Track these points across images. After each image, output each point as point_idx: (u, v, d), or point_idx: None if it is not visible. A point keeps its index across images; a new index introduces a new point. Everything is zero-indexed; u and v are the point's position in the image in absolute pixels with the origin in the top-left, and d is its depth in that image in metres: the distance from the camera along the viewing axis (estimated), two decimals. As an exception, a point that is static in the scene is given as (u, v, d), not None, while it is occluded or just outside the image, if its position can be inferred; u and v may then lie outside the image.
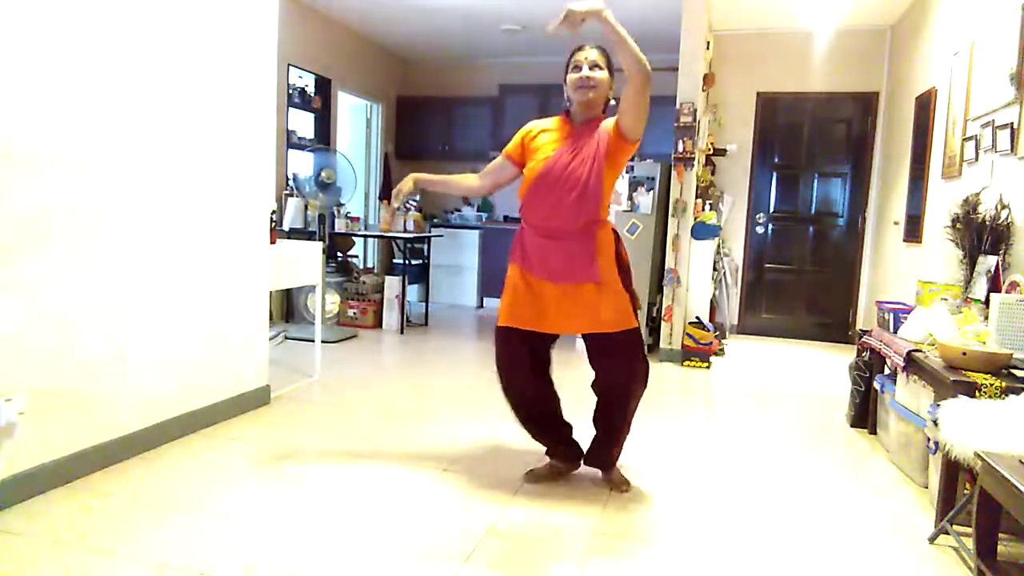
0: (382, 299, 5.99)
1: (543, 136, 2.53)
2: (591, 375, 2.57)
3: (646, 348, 2.55)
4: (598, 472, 2.69)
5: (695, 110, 5.01)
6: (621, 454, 2.67)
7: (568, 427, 2.70)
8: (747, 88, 6.24)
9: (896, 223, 5.21)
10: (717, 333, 5.39)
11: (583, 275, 2.41)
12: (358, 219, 6.30)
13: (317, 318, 4.16)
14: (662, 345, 5.17)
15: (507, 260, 2.59)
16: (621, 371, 2.48)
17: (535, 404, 2.62)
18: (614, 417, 2.56)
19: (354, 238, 6.18)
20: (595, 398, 2.60)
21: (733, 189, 6.28)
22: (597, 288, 2.42)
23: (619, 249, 2.53)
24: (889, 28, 5.85)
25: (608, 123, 2.45)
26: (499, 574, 1.97)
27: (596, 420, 2.62)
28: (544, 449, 2.72)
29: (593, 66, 2.42)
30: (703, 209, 5.24)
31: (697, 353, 4.99)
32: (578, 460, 2.72)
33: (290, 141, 5.98)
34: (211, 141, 3.01)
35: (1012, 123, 3.18)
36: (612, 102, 2.49)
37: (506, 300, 2.55)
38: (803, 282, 6.35)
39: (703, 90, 5.32)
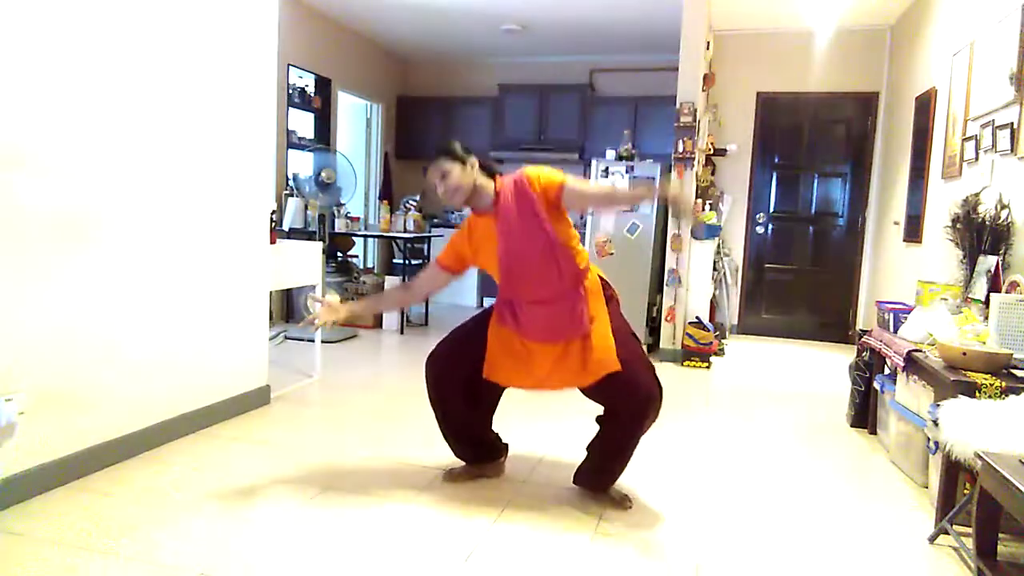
0: (382, 299, 5.98)
1: (475, 239, 2.42)
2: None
3: (659, 381, 2.39)
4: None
5: (695, 110, 5.01)
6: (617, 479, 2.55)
7: (492, 436, 2.67)
8: (747, 88, 6.24)
9: (896, 223, 5.21)
10: (717, 333, 5.39)
11: (573, 334, 2.35)
12: (358, 219, 6.30)
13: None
14: (662, 345, 5.17)
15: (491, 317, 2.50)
16: (625, 408, 2.35)
17: (470, 428, 2.59)
18: (615, 447, 2.44)
19: (354, 238, 6.17)
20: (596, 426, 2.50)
21: (733, 189, 6.28)
22: (583, 342, 2.34)
23: (609, 294, 2.44)
24: (889, 28, 5.85)
25: (524, 185, 2.30)
26: (499, 574, 1.97)
27: (594, 446, 2.51)
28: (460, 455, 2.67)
29: (440, 178, 2.32)
30: (703, 209, 5.24)
31: (697, 353, 5.00)
32: (500, 457, 2.69)
33: (290, 141, 5.98)
34: (211, 141, 3.01)
35: (1012, 123, 3.18)
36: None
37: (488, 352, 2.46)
38: (803, 282, 6.35)
39: (703, 90, 5.32)
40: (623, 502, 2.47)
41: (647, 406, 2.33)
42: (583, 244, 2.48)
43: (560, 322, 2.35)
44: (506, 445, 2.72)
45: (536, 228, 2.29)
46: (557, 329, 2.36)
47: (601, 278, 2.47)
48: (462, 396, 2.50)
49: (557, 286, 2.34)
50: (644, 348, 2.48)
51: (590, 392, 2.42)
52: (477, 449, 2.65)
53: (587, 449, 2.54)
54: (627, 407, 2.34)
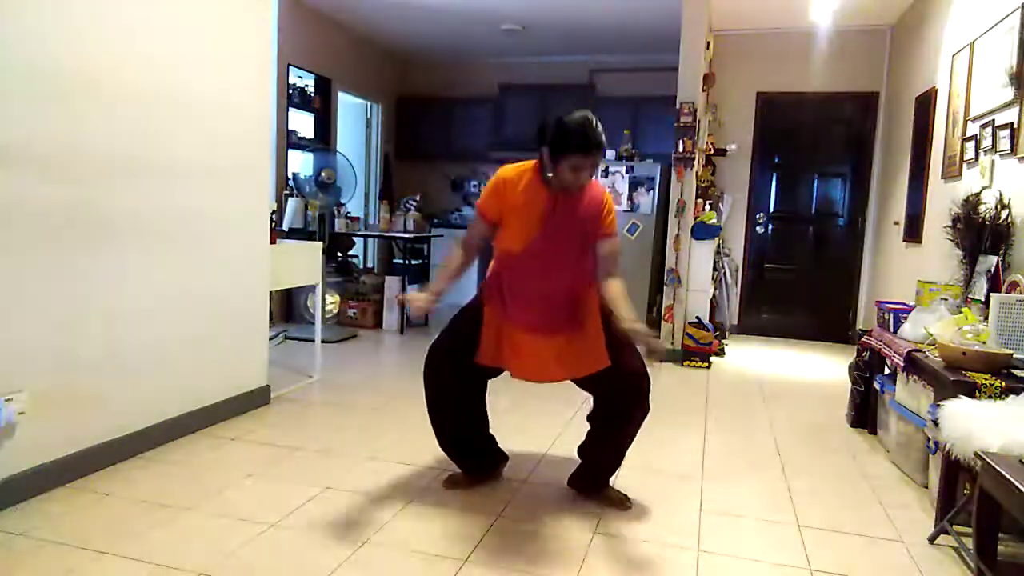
0: (382, 299, 5.98)
1: (524, 194, 2.30)
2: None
3: (648, 376, 2.38)
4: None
5: (695, 110, 5.01)
6: (611, 478, 2.56)
7: (491, 442, 2.65)
8: (747, 88, 6.24)
9: (896, 223, 5.21)
10: (717, 333, 5.39)
11: (565, 328, 2.34)
12: (358, 219, 6.30)
13: (317, 318, 4.16)
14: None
15: (482, 295, 2.47)
16: (614, 403, 2.37)
17: (467, 429, 2.56)
18: (610, 448, 2.45)
19: (354, 238, 6.17)
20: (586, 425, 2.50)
21: (733, 189, 6.28)
22: (574, 335, 2.33)
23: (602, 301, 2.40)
24: (889, 28, 5.85)
25: (600, 204, 2.31)
26: (499, 574, 1.97)
27: (585, 446, 2.52)
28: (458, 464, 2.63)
29: (591, 169, 2.24)
30: (703, 209, 5.24)
31: (697, 353, 4.99)
32: (498, 467, 2.67)
33: (290, 141, 5.98)
34: (211, 141, 3.01)
35: (1012, 123, 3.18)
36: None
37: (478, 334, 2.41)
38: (803, 282, 6.34)
39: (703, 90, 5.32)
40: (623, 502, 2.47)
41: (636, 396, 2.35)
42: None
43: (553, 317, 2.34)
44: (505, 456, 2.70)
45: (576, 237, 2.30)
46: (548, 323, 2.35)
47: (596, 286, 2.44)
48: (461, 393, 2.47)
49: (565, 288, 2.35)
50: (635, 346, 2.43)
51: (579, 382, 2.43)
52: (476, 457, 2.61)
53: (579, 452, 2.54)
54: (616, 397, 2.36)
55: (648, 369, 2.38)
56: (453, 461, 2.61)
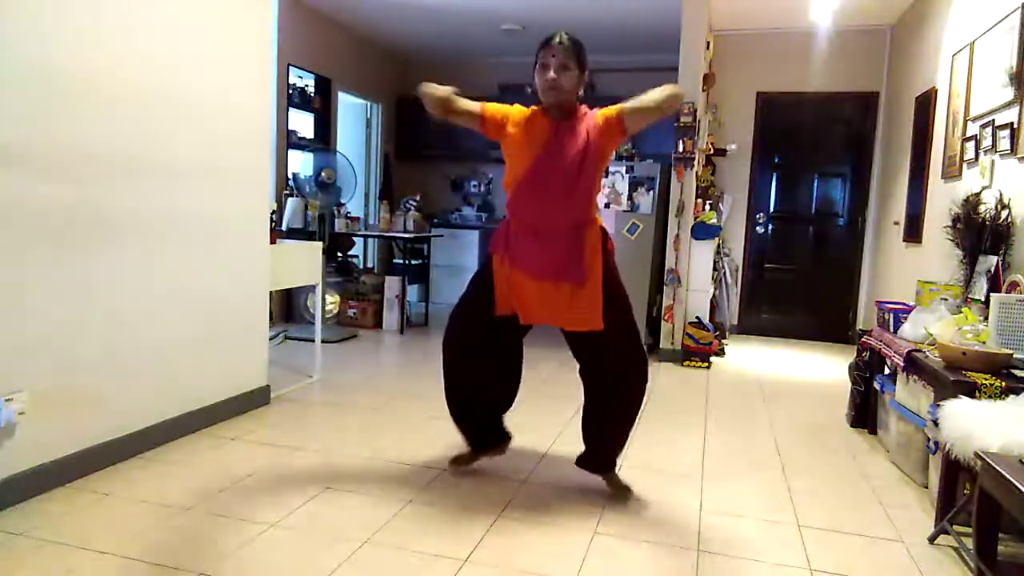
0: (382, 299, 5.98)
1: (524, 131, 2.39)
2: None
3: (643, 348, 2.49)
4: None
5: (695, 110, 5.01)
6: (619, 458, 2.62)
7: (501, 412, 2.71)
8: (747, 88, 6.24)
9: (896, 223, 5.21)
10: (717, 333, 5.39)
11: (567, 276, 2.36)
12: (358, 219, 6.30)
13: (317, 318, 4.16)
14: (662, 345, 5.17)
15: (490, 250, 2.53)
16: (608, 370, 2.44)
17: (485, 395, 2.62)
18: (605, 419, 2.51)
19: (354, 238, 6.17)
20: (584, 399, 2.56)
21: (733, 189, 6.28)
22: (577, 288, 2.37)
23: (607, 247, 2.46)
24: (889, 28, 5.85)
25: (596, 115, 2.38)
26: (499, 574, 1.97)
27: (586, 422, 2.56)
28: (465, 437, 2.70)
29: (560, 68, 2.29)
30: (703, 209, 5.24)
31: (697, 353, 5.00)
32: (500, 448, 2.72)
33: (290, 141, 5.98)
34: (211, 141, 3.01)
35: (1012, 123, 3.18)
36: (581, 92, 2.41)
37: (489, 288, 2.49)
38: (803, 282, 6.34)
39: (703, 90, 5.32)
40: (624, 492, 2.53)
41: (624, 378, 2.41)
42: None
43: (555, 261, 2.37)
44: (510, 435, 2.74)
45: (578, 156, 2.33)
46: (550, 267, 2.37)
47: (601, 227, 2.48)
48: (479, 348, 2.53)
49: (561, 221, 2.37)
50: (633, 316, 2.49)
51: (576, 345, 2.47)
52: (488, 427, 2.67)
53: (582, 426, 2.58)
54: (600, 373, 2.43)
55: (644, 351, 2.47)
56: (458, 429, 2.67)
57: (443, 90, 2.38)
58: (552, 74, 2.30)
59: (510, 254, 2.44)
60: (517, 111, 2.44)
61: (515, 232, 2.44)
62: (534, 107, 2.45)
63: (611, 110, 2.37)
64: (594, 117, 2.39)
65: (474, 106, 2.43)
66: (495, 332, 2.51)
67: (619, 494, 2.53)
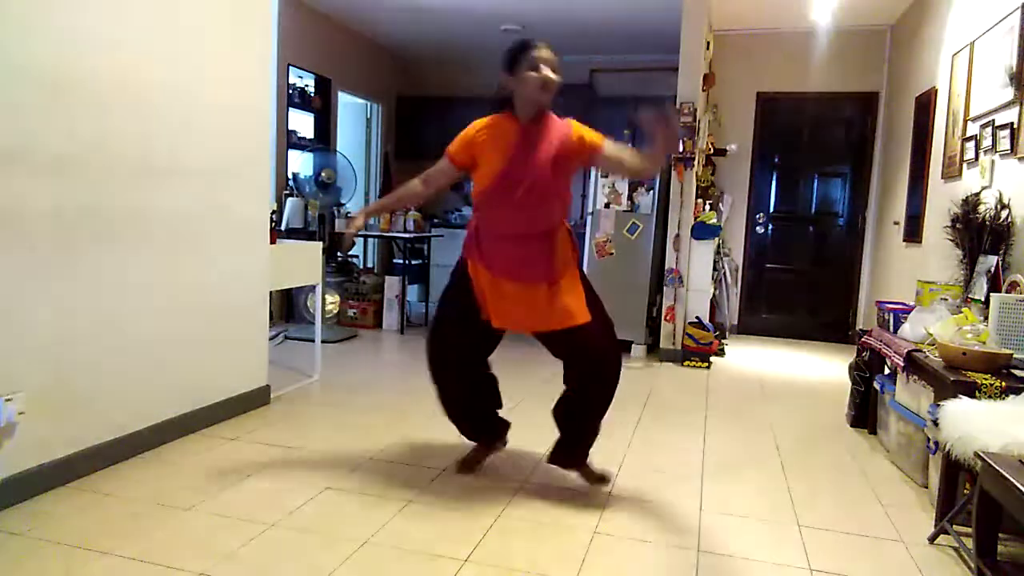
0: (382, 299, 5.99)
1: (492, 138, 2.40)
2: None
3: (615, 335, 2.48)
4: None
5: (695, 110, 5.01)
6: (589, 453, 2.59)
7: (496, 409, 2.71)
8: (747, 88, 6.24)
9: (896, 223, 5.21)
10: (717, 333, 5.39)
11: (540, 276, 2.37)
12: (358, 219, 6.29)
13: (317, 318, 4.16)
14: (662, 345, 5.17)
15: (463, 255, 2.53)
16: (587, 360, 2.42)
17: (471, 395, 2.63)
18: (583, 408, 2.50)
19: (354, 238, 6.17)
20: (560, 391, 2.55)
21: (733, 189, 6.28)
22: (551, 288, 2.37)
23: (572, 243, 2.49)
24: (889, 28, 5.85)
25: (572, 128, 2.38)
26: (499, 574, 1.97)
27: (559, 416, 2.55)
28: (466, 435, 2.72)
29: (555, 69, 2.32)
30: (703, 209, 5.24)
31: (697, 353, 5.00)
32: (503, 436, 2.73)
33: (290, 141, 5.98)
34: (211, 141, 3.01)
35: (1012, 123, 3.18)
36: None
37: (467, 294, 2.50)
38: (803, 282, 6.35)
39: (703, 90, 5.32)
40: (602, 479, 2.56)
41: (605, 366, 2.41)
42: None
43: (529, 262, 2.37)
44: (507, 423, 2.76)
45: (548, 162, 2.33)
46: (524, 268, 2.37)
47: (568, 230, 2.50)
48: (467, 357, 2.54)
49: (532, 228, 2.37)
50: (607, 313, 2.51)
51: (552, 343, 2.47)
52: (488, 421, 2.69)
53: (553, 414, 2.57)
54: (585, 364, 2.42)
55: (617, 343, 2.48)
56: (459, 430, 2.69)
57: (358, 219, 2.57)
58: (550, 73, 2.30)
59: (483, 258, 2.43)
60: (475, 127, 2.44)
61: (485, 236, 2.44)
62: (495, 115, 2.43)
63: (594, 137, 2.39)
64: (569, 128, 2.39)
65: (436, 166, 2.51)
66: (479, 343, 2.53)
67: (598, 483, 2.56)
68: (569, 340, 2.42)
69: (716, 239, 5.40)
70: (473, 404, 2.64)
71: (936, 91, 4.40)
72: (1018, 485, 1.69)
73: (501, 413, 2.75)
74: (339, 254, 5.67)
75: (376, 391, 3.93)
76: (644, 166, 2.36)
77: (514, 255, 2.38)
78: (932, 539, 2.29)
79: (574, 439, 2.57)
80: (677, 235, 5.11)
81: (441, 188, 2.62)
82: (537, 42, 2.32)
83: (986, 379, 2.38)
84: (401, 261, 6.25)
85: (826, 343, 6.15)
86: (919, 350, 2.83)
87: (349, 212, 6.14)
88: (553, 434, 2.58)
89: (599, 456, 2.68)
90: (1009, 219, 3.09)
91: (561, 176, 2.38)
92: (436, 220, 7.39)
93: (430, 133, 7.49)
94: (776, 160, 6.35)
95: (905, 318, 3.20)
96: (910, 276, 4.28)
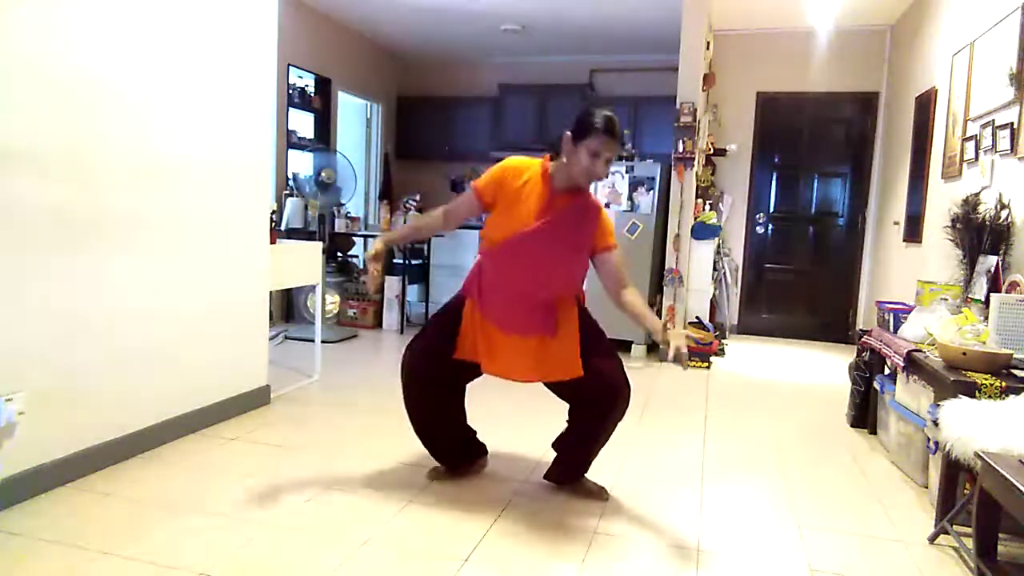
0: (382, 299, 5.99)
1: (524, 189, 2.29)
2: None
3: (624, 370, 2.39)
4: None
5: (695, 110, 5.01)
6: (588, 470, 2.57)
7: (469, 433, 2.67)
8: (747, 88, 6.24)
9: (896, 223, 5.21)
10: (717, 333, 5.39)
11: (539, 330, 2.33)
12: (358, 219, 6.30)
13: (317, 318, 4.16)
14: (662, 345, 5.16)
15: (463, 290, 2.49)
16: (594, 400, 2.37)
17: (444, 424, 2.58)
18: (586, 441, 2.46)
19: (354, 238, 6.18)
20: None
21: (733, 189, 6.29)
22: (547, 337, 2.34)
23: (580, 299, 2.45)
24: (889, 28, 5.85)
25: (601, 219, 2.32)
26: (499, 574, 1.97)
27: (561, 440, 2.53)
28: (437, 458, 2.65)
29: (609, 163, 2.23)
30: (703, 209, 5.25)
31: (697, 353, 4.99)
32: (468, 463, 2.67)
33: (290, 141, 5.98)
34: (211, 141, 3.01)
35: (1012, 123, 3.18)
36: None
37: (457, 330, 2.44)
38: (803, 282, 6.35)
39: (703, 90, 5.33)
40: (600, 493, 2.52)
41: (614, 402, 2.37)
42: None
43: (527, 318, 2.34)
44: (485, 450, 2.72)
45: (573, 245, 2.30)
46: (521, 323, 2.34)
47: (578, 297, 2.46)
48: (436, 391, 2.48)
49: (542, 294, 2.34)
50: (609, 342, 2.46)
51: (555, 389, 2.45)
52: (451, 453, 2.63)
53: (554, 447, 2.56)
54: (593, 402, 2.38)
55: (626, 376, 2.39)
56: (431, 453, 2.64)
57: (378, 245, 2.36)
58: (601, 169, 2.20)
59: (482, 302, 2.39)
60: (506, 168, 2.32)
61: (488, 286, 2.39)
62: (534, 164, 2.33)
63: (609, 241, 2.32)
64: (598, 216, 2.32)
65: (459, 200, 2.43)
66: (456, 373, 2.47)
67: (596, 496, 2.51)
68: (568, 387, 2.39)
69: (716, 239, 5.41)
70: (430, 421, 2.55)
71: (936, 91, 4.40)
72: (1018, 485, 1.69)
73: (485, 430, 2.72)
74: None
75: (376, 391, 3.93)
76: (637, 311, 2.27)
77: (514, 310, 2.34)
78: (932, 539, 2.29)
79: (574, 464, 2.54)
80: (677, 235, 5.11)
81: (462, 221, 2.54)
82: (612, 125, 2.17)
83: (986, 379, 2.38)
84: (401, 261, 6.25)
85: (826, 343, 6.15)
86: (919, 350, 2.83)
87: (349, 212, 6.15)
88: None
89: (599, 457, 2.68)
90: (1009, 219, 3.09)
91: (583, 257, 2.34)
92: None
93: (430, 133, 7.51)
94: (776, 160, 6.35)
95: (905, 318, 3.20)
96: (910, 276, 4.28)
